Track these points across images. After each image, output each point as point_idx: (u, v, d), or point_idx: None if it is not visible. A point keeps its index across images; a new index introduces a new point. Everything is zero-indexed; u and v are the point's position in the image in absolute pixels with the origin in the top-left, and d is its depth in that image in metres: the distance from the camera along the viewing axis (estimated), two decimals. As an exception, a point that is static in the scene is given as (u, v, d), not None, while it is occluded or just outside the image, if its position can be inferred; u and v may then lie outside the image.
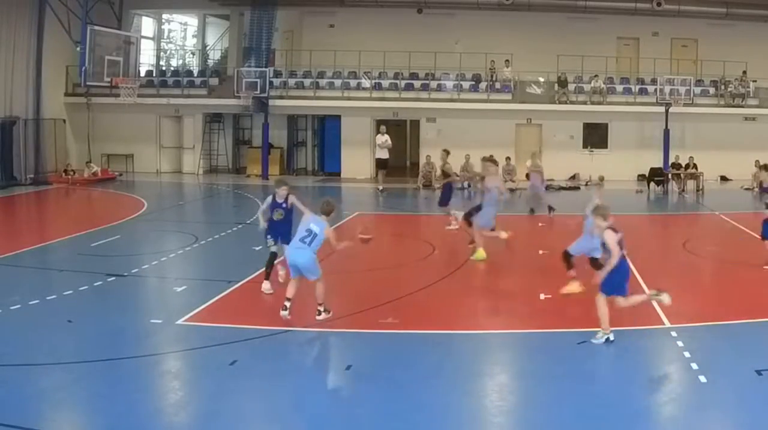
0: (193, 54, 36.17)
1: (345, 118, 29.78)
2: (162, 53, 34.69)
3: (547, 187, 26.14)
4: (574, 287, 10.73)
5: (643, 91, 29.21)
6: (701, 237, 16.52)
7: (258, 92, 28.48)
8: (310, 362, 8.98)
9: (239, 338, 9.07)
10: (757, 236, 13.46)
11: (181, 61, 35.87)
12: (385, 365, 8.37)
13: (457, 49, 29.36)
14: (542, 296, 10.43)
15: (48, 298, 10.80)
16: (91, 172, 28.12)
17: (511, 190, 25.47)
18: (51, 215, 22.14)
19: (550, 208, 19.15)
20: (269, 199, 11.20)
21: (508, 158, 26.69)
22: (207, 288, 11.48)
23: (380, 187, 25.64)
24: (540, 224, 17.80)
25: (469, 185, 22.69)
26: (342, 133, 30.02)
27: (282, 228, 11.06)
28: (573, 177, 28.73)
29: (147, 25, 33.60)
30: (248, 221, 17.07)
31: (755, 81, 28.78)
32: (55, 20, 25.49)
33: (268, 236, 11.13)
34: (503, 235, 13.56)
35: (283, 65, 31.28)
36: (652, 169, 27.11)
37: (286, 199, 11.08)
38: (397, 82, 29.63)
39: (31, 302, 10.48)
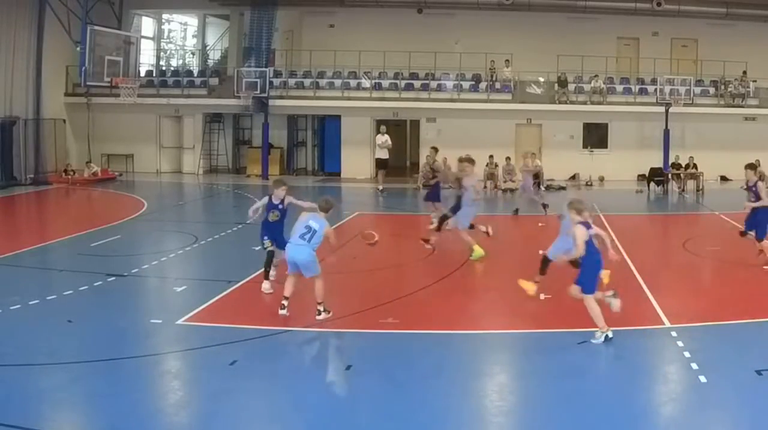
0: (193, 54, 36.19)
1: (345, 118, 29.79)
2: (162, 53, 34.70)
3: (548, 187, 26.27)
4: (530, 287, 10.72)
5: (643, 91, 29.21)
6: (701, 237, 16.52)
7: (258, 92, 28.48)
8: (310, 362, 8.98)
9: (239, 338, 9.07)
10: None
11: (181, 61, 35.89)
12: (385, 365, 8.37)
13: (457, 49, 29.36)
14: (542, 296, 10.43)
15: (48, 298, 10.80)
16: (91, 172, 28.12)
17: (511, 191, 25.63)
18: (51, 215, 22.14)
19: (545, 206, 19.14)
20: (265, 199, 11.26)
21: (508, 158, 26.72)
22: (207, 288, 11.48)
23: (380, 187, 25.64)
24: (540, 224, 17.78)
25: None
26: (342, 133, 30.02)
27: (276, 229, 11.13)
28: (573, 177, 28.75)
29: (147, 25, 33.61)
30: (248, 221, 17.06)
31: (755, 81, 28.77)
32: (55, 20, 25.50)
33: (265, 238, 11.18)
34: (482, 228, 13.78)
35: (283, 65, 31.29)
36: (652, 169, 27.11)
37: (283, 200, 11.12)
38: (397, 82, 29.63)
39: (31, 302, 10.48)
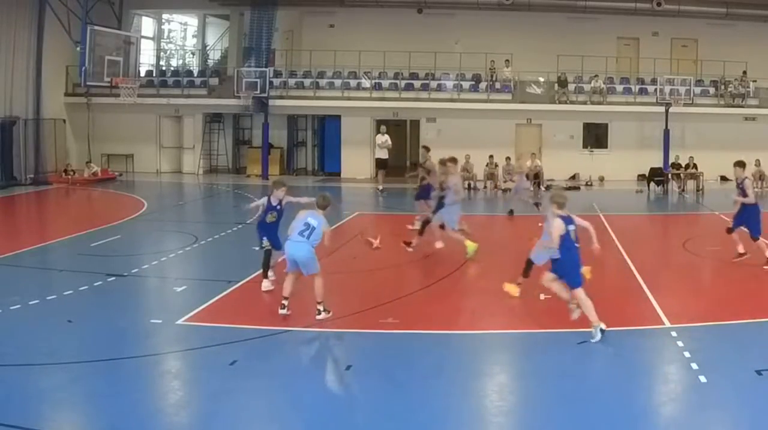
0: (193, 54, 36.19)
1: (345, 118, 29.79)
2: (162, 53, 34.70)
3: (548, 187, 26.26)
4: (513, 289, 10.76)
5: (643, 91, 29.21)
6: (701, 237, 16.50)
7: (258, 92, 28.48)
8: (310, 362, 8.97)
9: (239, 338, 9.07)
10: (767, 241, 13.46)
11: (181, 61, 35.89)
12: (385, 365, 8.37)
13: (457, 49, 29.36)
14: (542, 296, 10.43)
15: (48, 298, 10.80)
16: (91, 172, 28.12)
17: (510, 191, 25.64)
18: (51, 215, 22.14)
19: (537, 205, 19.18)
20: (264, 200, 11.34)
21: (507, 158, 26.70)
22: (207, 288, 11.48)
23: (380, 187, 25.64)
24: (540, 224, 17.76)
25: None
26: (342, 133, 30.03)
27: (273, 230, 11.22)
28: (573, 177, 28.75)
29: (147, 25, 33.62)
30: (248, 221, 17.06)
31: (755, 81, 28.78)
32: (55, 20, 25.50)
33: (264, 238, 11.25)
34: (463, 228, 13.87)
35: (283, 65, 31.29)
36: (652, 169, 27.10)
37: (281, 201, 11.18)
38: (397, 82, 29.63)
39: (31, 302, 10.48)
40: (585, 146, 29.87)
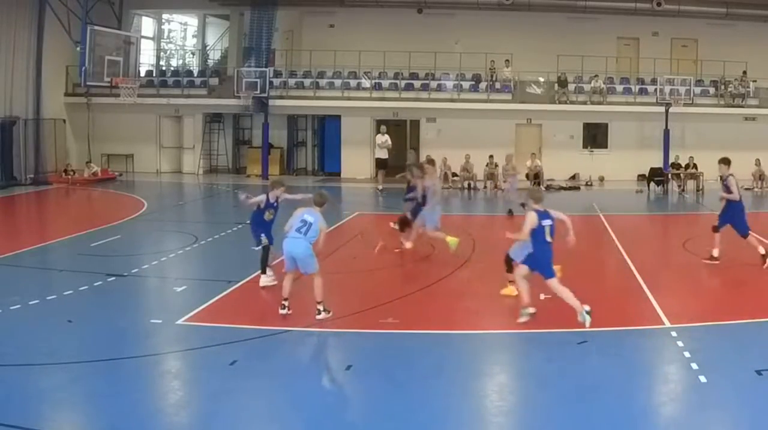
0: (193, 54, 36.19)
1: (345, 118, 29.79)
2: (162, 53, 34.70)
3: (548, 187, 26.29)
4: (510, 291, 10.80)
5: (643, 91, 29.21)
6: (701, 237, 16.48)
7: (258, 92, 28.48)
8: (310, 361, 8.97)
9: (239, 338, 9.06)
10: (758, 236, 13.45)
11: (181, 61, 35.89)
12: (385, 365, 8.37)
13: (457, 49, 29.36)
14: (542, 296, 10.42)
15: (48, 298, 10.80)
16: (91, 172, 28.12)
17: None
18: (51, 215, 22.14)
19: (523, 205, 19.18)
20: (263, 197, 11.49)
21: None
22: (207, 288, 11.48)
23: (380, 187, 25.64)
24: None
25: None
26: (342, 133, 30.02)
27: (269, 227, 11.50)
28: (573, 177, 28.75)
29: (147, 25, 33.62)
30: (248, 221, 17.06)
31: (755, 81, 28.77)
32: (55, 20, 25.50)
33: (262, 235, 11.44)
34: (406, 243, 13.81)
35: (283, 65, 31.29)
36: (652, 169, 27.10)
37: (278, 198, 11.40)
38: (397, 82, 29.63)
39: (31, 302, 10.48)
40: (585, 146, 29.87)
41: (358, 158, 29.34)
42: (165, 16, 34.76)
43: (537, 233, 9.28)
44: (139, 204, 21.39)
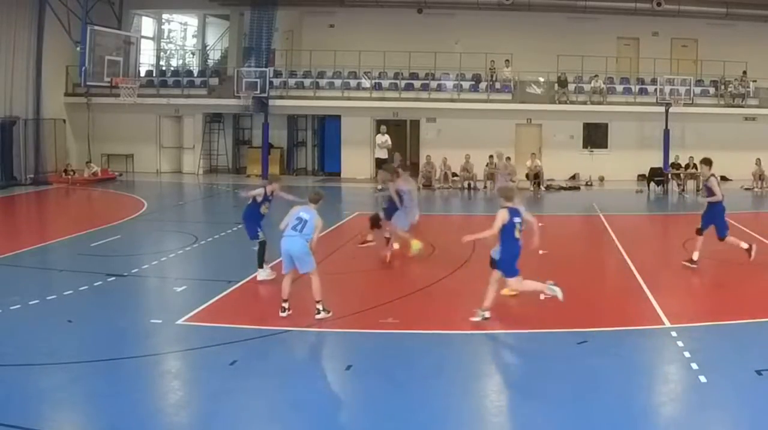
0: (193, 54, 36.19)
1: (345, 118, 29.78)
2: (162, 53, 34.70)
3: (548, 187, 26.29)
4: (509, 290, 10.79)
5: (643, 91, 29.21)
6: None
7: (258, 92, 28.45)
8: (310, 362, 8.97)
9: (239, 338, 9.07)
10: (758, 236, 13.45)
11: (181, 61, 35.89)
12: (385, 365, 8.37)
13: (457, 49, 29.35)
14: (542, 296, 10.42)
15: (48, 298, 10.80)
16: (91, 172, 28.12)
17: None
18: (51, 215, 22.14)
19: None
20: (261, 190, 11.75)
21: (507, 158, 26.66)
22: (207, 288, 11.48)
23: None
24: (540, 224, 17.78)
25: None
26: (342, 133, 30.02)
27: (262, 220, 11.84)
28: (573, 177, 28.75)
29: (147, 25, 33.61)
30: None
31: (755, 81, 28.76)
32: (55, 20, 25.50)
33: (259, 230, 11.75)
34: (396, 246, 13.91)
35: (283, 65, 31.28)
36: (652, 169, 27.09)
37: (273, 192, 11.72)
38: (397, 82, 29.63)
39: (31, 302, 10.48)
40: (585, 146, 29.86)
41: (358, 158, 29.34)
42: (165, 16, 34.76)
43: (507, 230, 9.42)
44: (139, 204, 21.39)
